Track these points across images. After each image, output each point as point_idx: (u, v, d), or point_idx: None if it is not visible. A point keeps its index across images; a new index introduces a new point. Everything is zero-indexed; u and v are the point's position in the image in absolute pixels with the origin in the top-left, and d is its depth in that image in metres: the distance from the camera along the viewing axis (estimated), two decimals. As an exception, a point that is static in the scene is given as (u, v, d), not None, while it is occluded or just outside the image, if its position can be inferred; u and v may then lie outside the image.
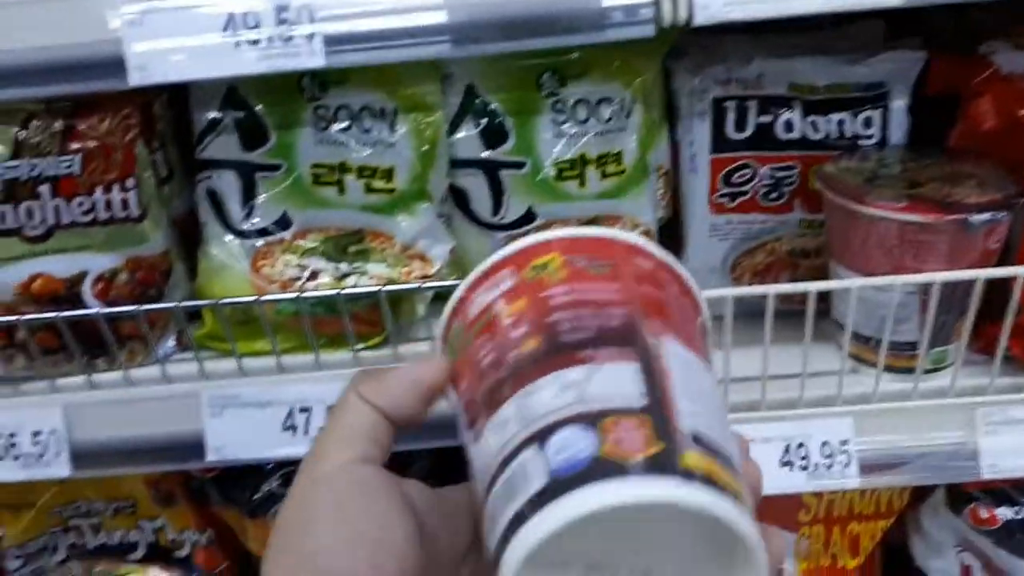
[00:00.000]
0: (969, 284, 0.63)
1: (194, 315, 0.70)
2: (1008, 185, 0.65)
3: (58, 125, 0.60)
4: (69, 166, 0.61)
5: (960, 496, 0.76)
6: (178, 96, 0.69)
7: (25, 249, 0.64)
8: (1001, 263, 0.68)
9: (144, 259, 0.67)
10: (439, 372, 0.34)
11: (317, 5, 0.55)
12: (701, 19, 0.51)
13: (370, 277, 0.67)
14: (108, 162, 0.62)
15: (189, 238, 0.71)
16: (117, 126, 0.61)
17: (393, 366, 0.34)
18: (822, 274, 0.76)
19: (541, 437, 0.27)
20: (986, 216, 0.62)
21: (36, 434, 0.69)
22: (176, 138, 0.71)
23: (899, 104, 0.74)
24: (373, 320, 0.68)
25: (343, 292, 0.64)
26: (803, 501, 0.79)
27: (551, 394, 0.28)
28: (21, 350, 0.69)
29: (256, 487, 0.76)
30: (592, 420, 0.27)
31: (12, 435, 0.69)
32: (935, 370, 0.70)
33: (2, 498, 0.79)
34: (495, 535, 0.27)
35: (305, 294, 0.64)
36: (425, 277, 0.68)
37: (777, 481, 0.70)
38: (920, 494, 0.81)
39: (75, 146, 0.61)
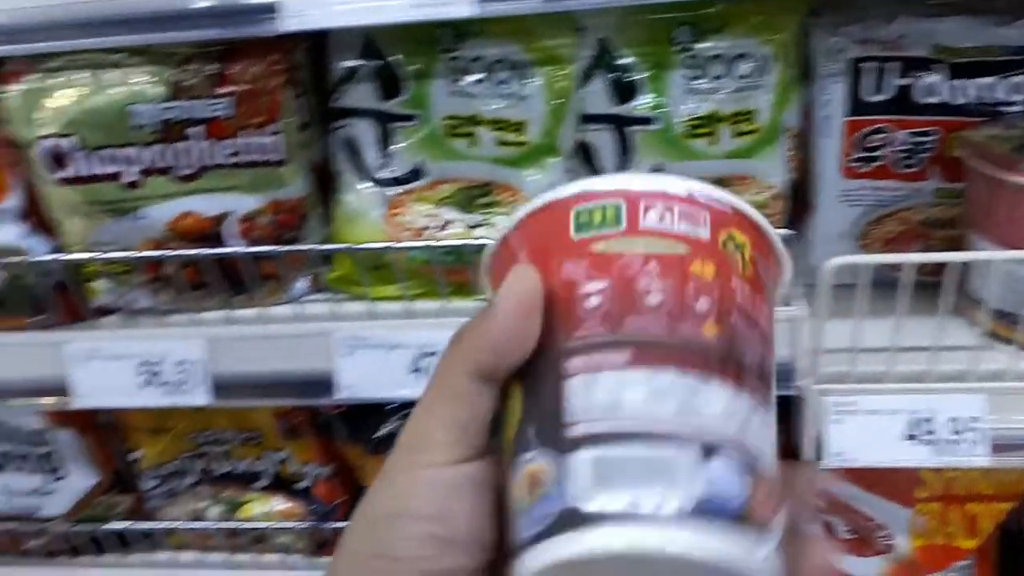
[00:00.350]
0: None
1: (327, 258, 0.73)
2: None
3: (211, 69, 0.63)
4: (220, 109, 0.64)
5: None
6: (315, 45, 0.71)
7: (176, 188, 0.68)
8: None
9: (285, 202, 0.70)
10: (535, 283, 0.28)
11: (468, -46, 0.55)
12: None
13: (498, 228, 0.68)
14: (256, 106, 0.65)
15: (324, 184, 0.74)
16: (266, 72, 0.64)
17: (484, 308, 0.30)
18: (955, 246, 0.73)
19: (699, 448, 0.24)
20: None
21: (179, 363, 0.74)
22: (313, 86, 0.73)
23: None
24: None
25: (473, 242, 0.66)
26: (921, 477, 0.77)
27: (712, 404, 0.25)
28: (168, 284, 0.73)
29: (379, 426, 0.79)
30: (748, 468, 0.25)
31: (157, 364, 0.74)
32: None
33: (143, 422, 0.85)
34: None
35: (438, 243, 0.66)
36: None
37: (899, 454, 0.69)
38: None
39: (226, 90, 0.64)
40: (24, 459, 0.86)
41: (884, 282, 0.65)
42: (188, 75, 0.63)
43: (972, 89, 0.70)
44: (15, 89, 0.64)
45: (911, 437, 0.69)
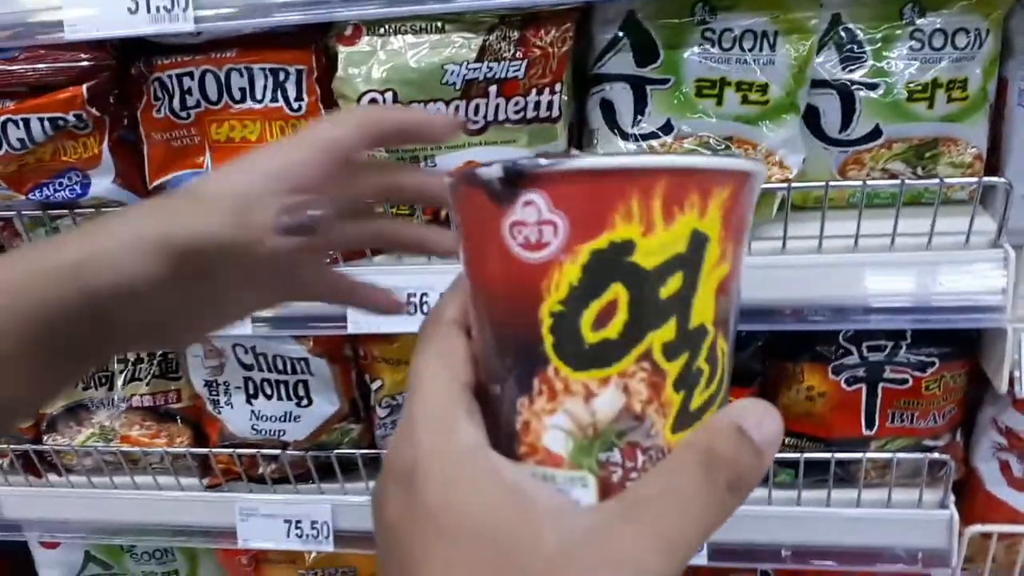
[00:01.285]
0: None
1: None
2: None
3: (514, 35, 0.75)
4: (515, 70, 0.76)
5: None
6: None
7: (465, 140, 0.79)
8: None
9: (551, 153, 0.81)
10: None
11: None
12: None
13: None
14: (545, 68, 0.76)
15: (572, 141, 0.85)
16: (557, 38, 0.75)
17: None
18: None
19: None
20: None
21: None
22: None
23: None
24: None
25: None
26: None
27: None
28: (444, 226, 0.84)
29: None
30: None
31: (424, 295, 0.85)
32: None
33: (385, 353, 0.96)
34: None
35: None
36: (785, 181, 0.79)
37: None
38: None
39: (523, 53, 0.76)
40: (281, 386, 0.98)
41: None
42: (495, 40, 0.75)
43: None
44: (349, 50, 0.76)
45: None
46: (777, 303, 0.80)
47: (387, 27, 0.76)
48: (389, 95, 0.77)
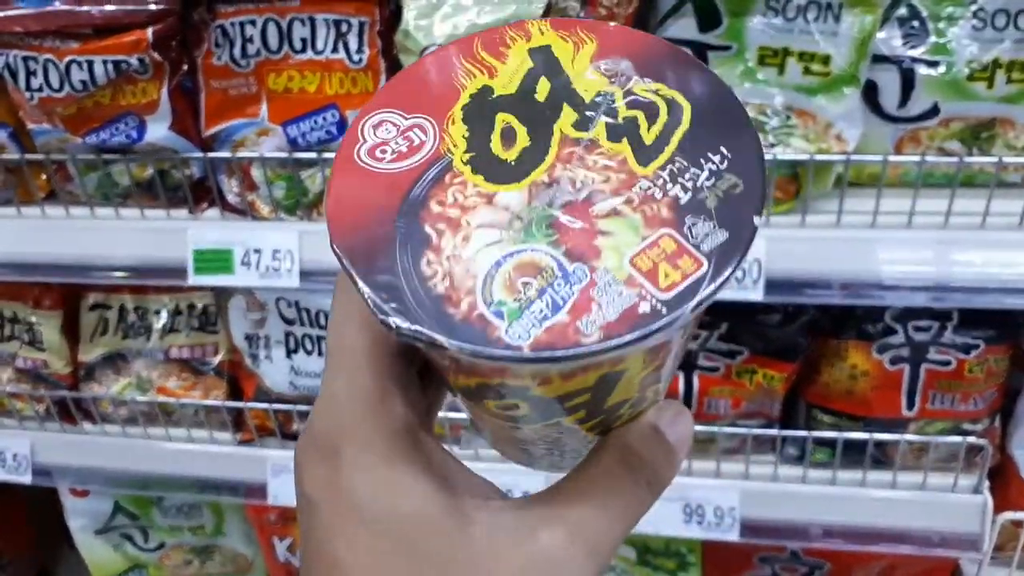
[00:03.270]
0: None
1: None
2: None
3: (581, -6, 0.76)
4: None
5: None
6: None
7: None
8: None
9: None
10: None
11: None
12: None
13: (793, 149, 0.79)
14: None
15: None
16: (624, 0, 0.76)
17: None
18: None
19: None
20: None
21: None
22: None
23: None
24: (788, 189, 0.80)
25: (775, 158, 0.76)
26: None
27: None
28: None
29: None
30: None
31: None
32: None
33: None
34: None
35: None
36: (843, 153, 0.79)
37: None
38: None
39: (588, 12, 0.76)
40: (321, 342, 0.98)
41: None
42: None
43: None
44: (416, 5, 0.77)
45: None
46: (828, 277, 0.80)
47: (455, -19, 0.77)
48: (451, 49, 0.78)
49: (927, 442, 0.89)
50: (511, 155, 0.25)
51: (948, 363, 0.86)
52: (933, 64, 0.79)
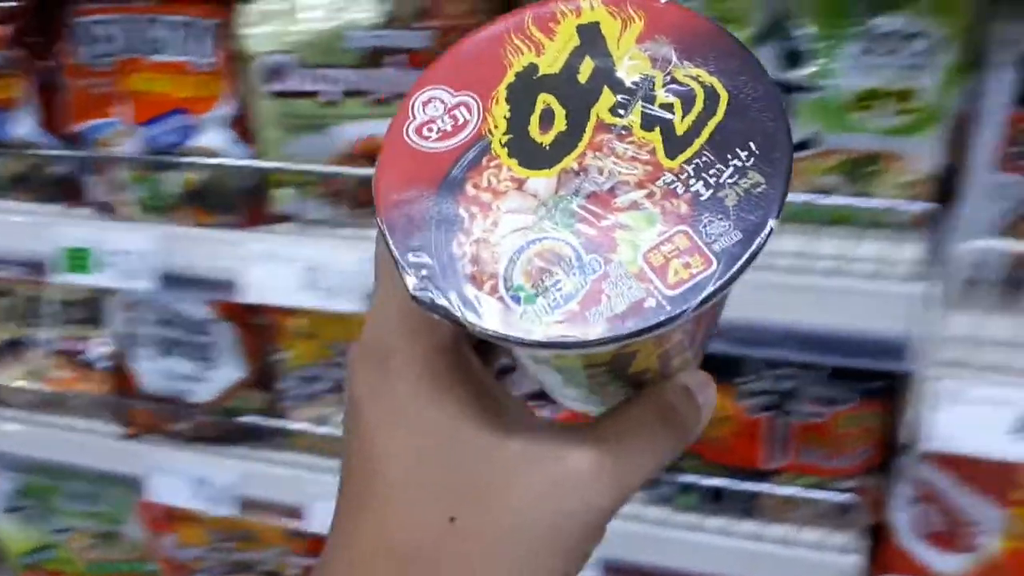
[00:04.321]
0: None
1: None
2: None
3: (423, 3, 0.71)
4: (424, 41, 0.72)
5: None
6: None
7: (368, 111, 0.76)
8: None
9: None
10: None
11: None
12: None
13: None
14: (456, 39, 0.72)
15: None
16: (470, 10, 0.71)
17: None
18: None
19: None
20: None
21: (340, 272, 0.82)
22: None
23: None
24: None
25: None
26: (1018, 480, 0.78)
27: None
28: (343, 200, 0.82)
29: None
30: None
31: (319, 269, 0.83)
32: None
33: (299, 326, 0.94)
34: None
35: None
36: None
37: (1001, 447, 0.70)
38: None
39: (433, 24, 0.72)
40: (187, 346, 0.97)
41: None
42: (401, 7, 0.71)
43: None
44: (257, 9, 0.74)
45: (1018, 431, 0.70)
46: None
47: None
48: (293, 56, 0.75)
49: (795, 496, 0.84)
50: (547, 139, 0.25)
51: (818, 415, 0.81)
52: (812, 89, 0.73)
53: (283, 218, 0.87)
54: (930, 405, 0.72)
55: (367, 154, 0.79)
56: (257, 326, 0.97)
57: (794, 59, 0.73)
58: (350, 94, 0.76)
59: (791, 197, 0.29)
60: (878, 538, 0.89)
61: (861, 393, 0.79)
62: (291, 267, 0.85)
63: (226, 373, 0.98)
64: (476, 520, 0.27)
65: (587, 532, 0.27)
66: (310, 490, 1.01)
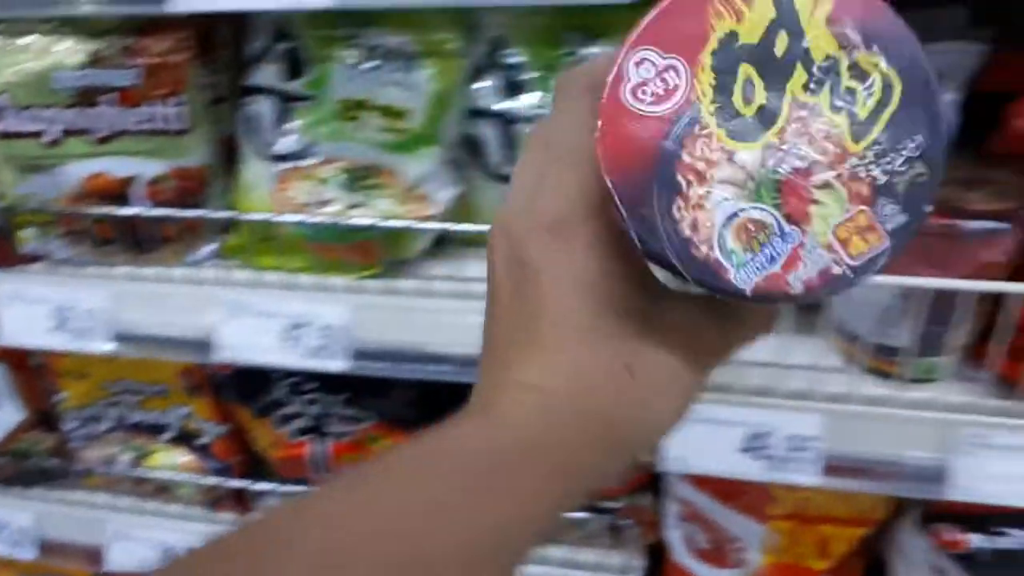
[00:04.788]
0: (963, 295, 0.61)
1: (230, 227, 0.79)
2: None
3: (127, 42, 0.69)
4: (130, 79, 0.70)
5: (933, 515, 0.74)
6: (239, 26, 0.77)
7: (91, 149, 0.74)
8: (1014, 278, 0.65)
9: (187, 170, 0.75)
10: None
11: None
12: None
13: (376, 211, 0.73)
14: (163, 79, 0.71)
15: (233, 157, 0.79)
16: (173, 47, 0.70)
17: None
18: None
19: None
20: (978, 225, 0.59)
21: (88, 311, 0.80)
22: (236, 64, 0.79)
23: (949, 99, 0.70)
24: (373, 251, 0.74)
25: (342, 221, 0.70)
26: (773, 494, 0.78)
27: None
28: (83, 238, 0.80)
29: (266, 390, 0.84)
30: None
31: (68, 309, 0.81)
32: (923, 381, 0.68)
33: (68, 366, 0.91)
34: None
35: (307, 218, 0.71)
36: (425, 218, 0.73)
37: (733, 466, 0.71)
38: (904, 507, 0.78)
39: (138, 61, 0.70)
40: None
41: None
42: (107, 47, 0.70)
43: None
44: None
45: (746, 450, 0.71)
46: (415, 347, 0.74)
47: (3, 27, 0.71)
48: (5, 97, 0.72)
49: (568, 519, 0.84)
50: (750, 111, 0.28)
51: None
52: (531, 119, 0.73)
53: (34, 258, 0.84)
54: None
55: (98, 192, 0.77)
56: (31, 367, 0.94)
57: (513, 90, 0.73)
58: (71, 133, 0.74)
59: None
60: (658, 557, 0.89)
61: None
62: (40, 308, 0.82)
63: (6, 415, 0.95)
64: (648, 371, 0.31)
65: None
66: (109, 529, 0.99)
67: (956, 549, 0.71)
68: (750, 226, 0.28)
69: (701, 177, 0.28)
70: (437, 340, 0.73)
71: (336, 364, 0.75)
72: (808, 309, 0.75)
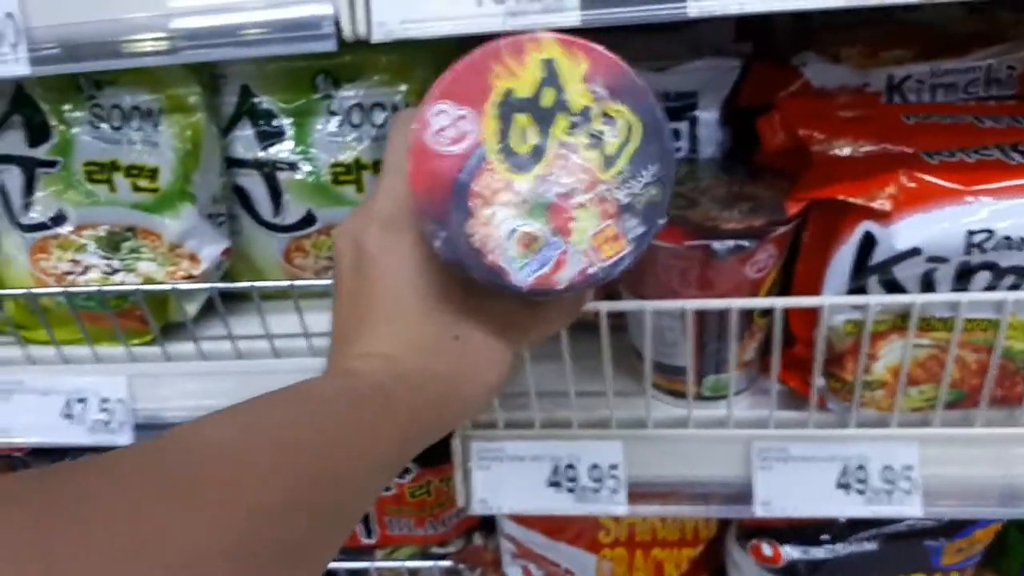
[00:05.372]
0: (736, 312, 0.59)
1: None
2: (779, 211, 0.60)
3: None
4: None
5: (749, 530, 0.72)
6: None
7: None
8: (785, 292, 0.63)
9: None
10: None
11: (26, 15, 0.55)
12: (379, 36, 0.49)
13: (139, 274, 0.68)
14: None
15: None
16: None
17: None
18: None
19: None
20: (731, 244, 0.57)
21: None
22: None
23: (710, 116, 0.69)
24: (142, 317, 0.69)
25: (104, 289, 0.66)
26: (602, 523, 0.76)
27: None
28: None
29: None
30: None
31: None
32: (715, 398, 0.66)
33: None
34: None
35: (71, 289, 0.66)
36: (189, 277, 0.68)
37: (543, 502, 0.68)
38: (728, 523, 0.77)
39: None
40: None
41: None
42: None
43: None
44: None
45: (554, 484, 0.68)
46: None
47: None
48: None
49: (398, 568, 0.81)
50: (525, 149, 0.35)
51: (386, 488, 0.77)
52: (293, 167, 0.69)
53: None
54: (473, 466, 0.69)
55: None
56: None
57: (270, 138, 0.69)
58: None
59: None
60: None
61: (420, 463, 0.76)
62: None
63: None
64: (473, 344, 0.38)
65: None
66: None
67: (775, 563, 0.70)
68: (526, 239, 0.35)
69: (487, 202, 0.35)
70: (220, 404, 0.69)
71: (124, 439, 0.71)
72: (612, 334, 0.73)
